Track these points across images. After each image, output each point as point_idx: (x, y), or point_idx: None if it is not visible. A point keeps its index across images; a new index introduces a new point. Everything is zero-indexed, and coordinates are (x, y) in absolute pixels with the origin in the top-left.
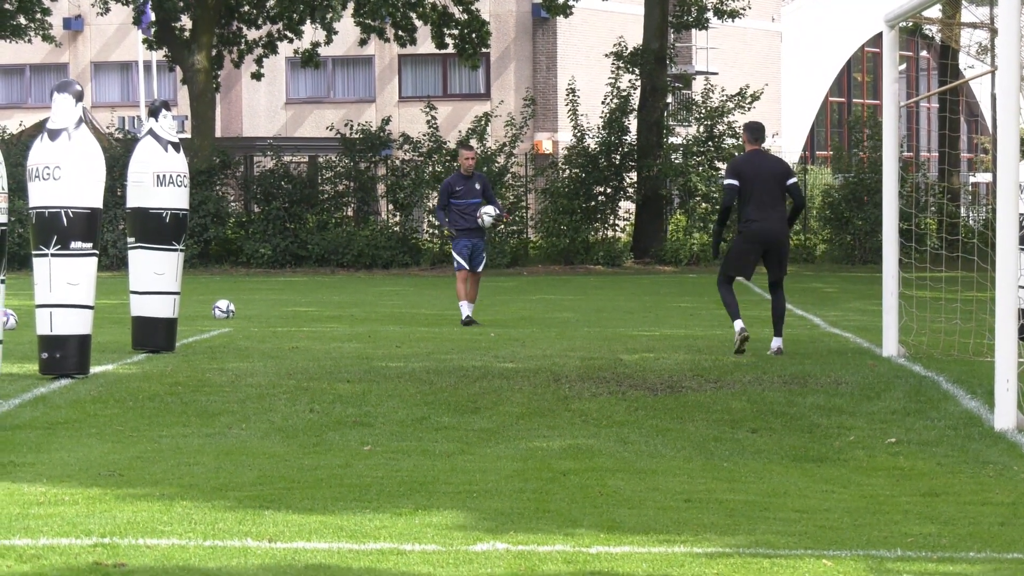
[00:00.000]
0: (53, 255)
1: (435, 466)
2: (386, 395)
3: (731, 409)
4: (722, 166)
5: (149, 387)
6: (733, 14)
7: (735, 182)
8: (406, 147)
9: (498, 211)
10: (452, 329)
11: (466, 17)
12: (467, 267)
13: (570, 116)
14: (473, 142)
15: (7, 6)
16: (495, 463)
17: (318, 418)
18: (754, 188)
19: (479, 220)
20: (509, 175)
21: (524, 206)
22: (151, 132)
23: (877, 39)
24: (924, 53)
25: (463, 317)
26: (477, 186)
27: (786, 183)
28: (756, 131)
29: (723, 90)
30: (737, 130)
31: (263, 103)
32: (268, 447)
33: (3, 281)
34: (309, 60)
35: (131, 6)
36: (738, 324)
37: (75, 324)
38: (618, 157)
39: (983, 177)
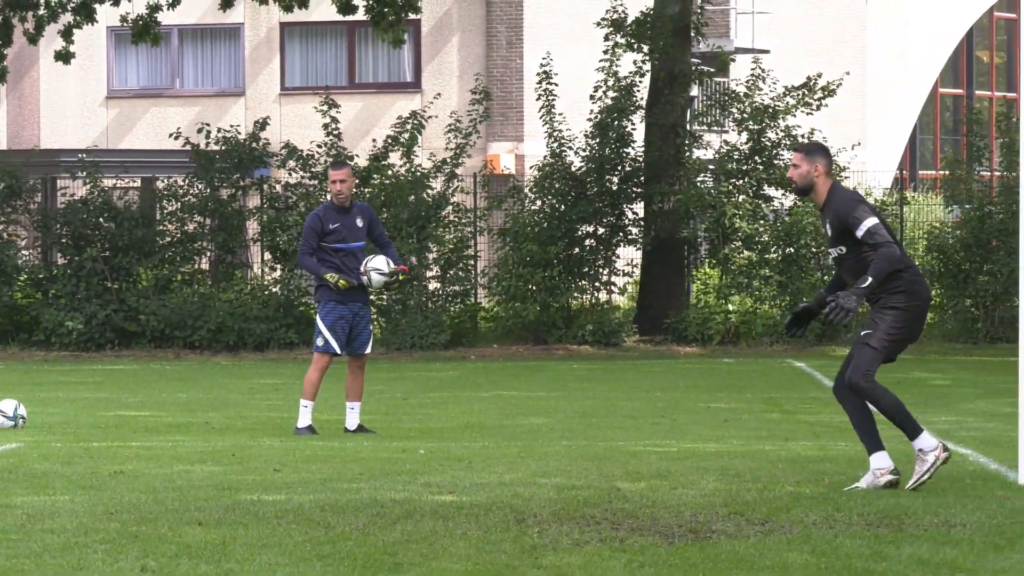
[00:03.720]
0: None
1: None
2: (259, 545)
3: (787, 565)
4: (776, 194)
5: None
6: None
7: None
8: (292, 164)
9: (392, 264)
10: (362, 444)
11: None
12: (337, 348)
13: (543, 117)
14: (395, 158)
15: None
16: None
17: None
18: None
19: (364, 278)
20: (449, 207)
21: (472, 254)
22: None
23: None
24: None
25: (305, 424)
26: (359, 223)
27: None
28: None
29: (777, 80)
30: (800, 139)
31: (73, 98)
32: None
33: None
34: (144, 32)
35: None
36: (930, 439)
37: None
38: (616, 180)
39: None
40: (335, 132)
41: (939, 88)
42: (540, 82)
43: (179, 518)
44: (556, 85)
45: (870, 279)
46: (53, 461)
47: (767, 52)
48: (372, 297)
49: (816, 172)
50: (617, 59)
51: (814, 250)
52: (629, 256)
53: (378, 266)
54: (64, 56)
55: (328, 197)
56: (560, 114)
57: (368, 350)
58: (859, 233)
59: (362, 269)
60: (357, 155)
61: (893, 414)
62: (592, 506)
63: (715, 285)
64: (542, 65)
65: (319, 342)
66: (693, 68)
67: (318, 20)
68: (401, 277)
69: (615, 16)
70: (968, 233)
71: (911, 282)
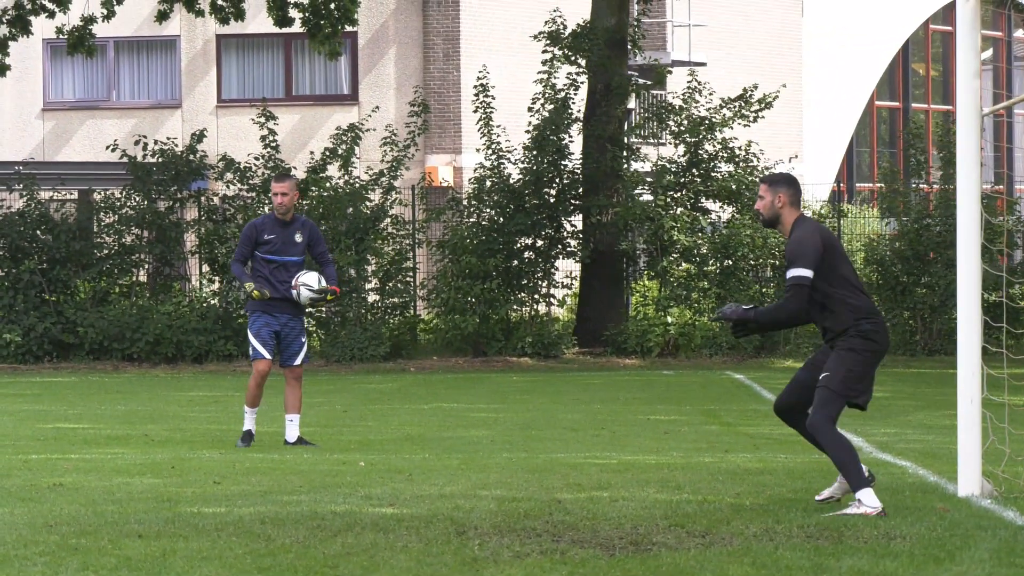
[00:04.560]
0: None
1: None
2: (198, 558)
3: None
4: (713, 206)
5: None
6: None
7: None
8: (229, 177)
9: (324, 282)
10: (301, 456)
11: None
12: (265, 354)
13: (480, 130)
14: (333, 170)
15: None
16: None
17: None
18: (847, 265)
19: (294, 292)
20: (388, 220)
21: (411, 267)
22: None
23: (948, 12)
24: (1021, 33)
25: (245, 429)
26: (298, 238)
27: None
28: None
29: (714, 92)
30: (738, 152)
31: (9, 110)
32: None
33: None
34: (79, 44)
35: None
36: (873, 495)
37: None
38: (553, 192)
39: None
40: (272, 144)
41: (875, 101)
42: (477, 94)
43: (119, 530)
44: (493, 98)
45: (754, 318)
46: None
47: (704, 65)
48: (311, 310)
49: (780, 202)
50: (555, 71)
51: (752, 263)
52: (568, 268)
53: (308, 282)
54: None
55: (267, 208)
56: (498, 126)
57: (298, 361)
58: (786, 275)
59: (293, 283)
60: (295, 167)
61: (844, 462)
62: (533, 518)
63: (654, 297)
64: (479, 77)
65: (250, 350)
66: (630, 81)
67: (255, 32)
68: (330, 297)
69: (552, 29)
70: (906, 245)
71: (872, 331)
